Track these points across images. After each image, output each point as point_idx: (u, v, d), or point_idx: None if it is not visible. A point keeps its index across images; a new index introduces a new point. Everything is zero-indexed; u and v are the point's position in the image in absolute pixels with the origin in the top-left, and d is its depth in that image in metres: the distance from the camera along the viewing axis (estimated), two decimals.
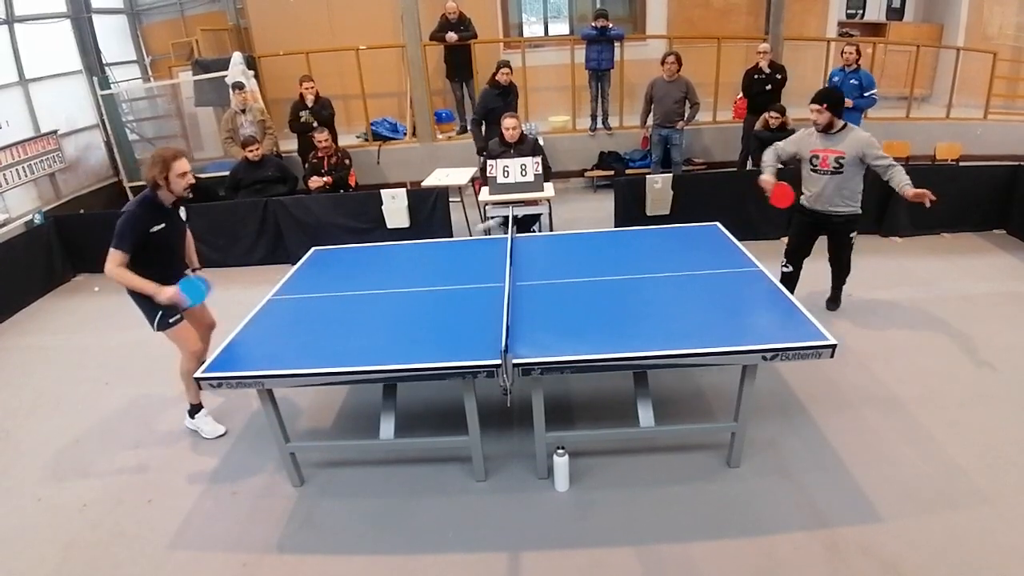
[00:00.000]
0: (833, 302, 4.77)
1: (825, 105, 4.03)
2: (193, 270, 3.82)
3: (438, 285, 3.79)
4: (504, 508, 3.12)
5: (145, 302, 3.53)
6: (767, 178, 4.30)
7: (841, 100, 4.13)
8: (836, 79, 6.89)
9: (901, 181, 3.94)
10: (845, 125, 4.12)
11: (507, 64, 6.99)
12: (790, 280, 4.54)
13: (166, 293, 3.35)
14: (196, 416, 3.87)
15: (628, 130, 8.46)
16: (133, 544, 3.05)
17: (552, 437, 3.17)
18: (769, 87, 7.22)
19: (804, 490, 3.08)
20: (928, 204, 3.81)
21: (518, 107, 7.32)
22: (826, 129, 4.12)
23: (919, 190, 3.84)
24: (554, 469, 3.16)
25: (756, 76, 7.26)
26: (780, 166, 4.44)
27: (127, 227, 3.30)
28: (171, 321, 3.59)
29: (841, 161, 4.09)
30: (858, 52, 6.74)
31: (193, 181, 3.44)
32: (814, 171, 4.25)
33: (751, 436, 3.29)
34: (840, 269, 4.61)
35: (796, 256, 4.53)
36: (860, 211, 4.29)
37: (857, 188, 4.19)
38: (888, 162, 4.00)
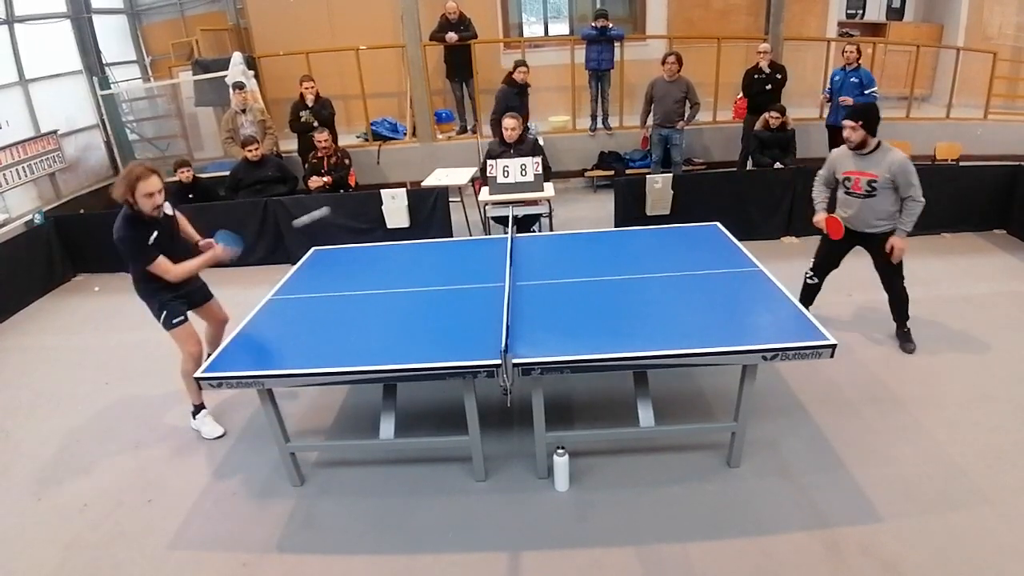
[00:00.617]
0: (902, 338, 4.27)
1: (860, 123, 3.78)
2: (195, 244, 3.85)
3: (438, 285, 3.79)
4: (504, 508, 3.12)
5: (153, 301, 3.62)
6: (818, 218, 4.18)
7: (877, 117, 3.84)
8: (837, 78, 6.93)
9: (905, 220, 3.83)
10: (879, 144, 3.85)
11: (524, 63, 7.09)
12: (810, 292, 4.42)
13: (216, 253, 3.61)
14: (197, 417, 3.88)
15: (628, 130, 8.46)
16: (133, 544, 3.05)
17: (552, 437, 3.17)
18: (769, 87, 7.23)
19: (804, 490, 3.08)
20: (896, 257, 3.92)
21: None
22: (859, 148, 3.88)
23: (899, 243, 3.87)
24: (554, 469, 3.16)
25: (756, 76, 7.28)
26: (829, 194, 4.25)
27: (134, 248, 3.39)
28: (175, 322, 3.64)
29: (874, 184, 3.85)
30: (859, 51, 6.77)
31: (160, 202, 3.36)
32: (847, 193, 4.03)
33: (751, 436, 3.29)
34: (894, 296, 4.20)
35: (823, 268, 4.35)
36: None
37: (893, 208, 3.91)
38: (913, 196, 3.79)
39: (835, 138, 7.17)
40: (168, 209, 3.58)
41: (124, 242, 3.37)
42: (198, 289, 3.88)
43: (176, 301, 3.67)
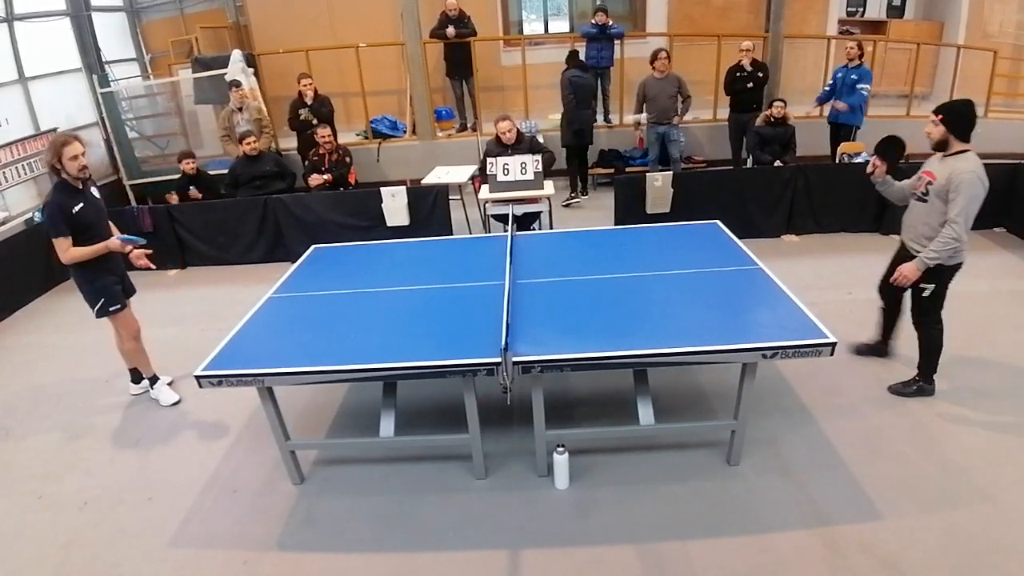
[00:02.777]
0: (902, 383, 3.77)
1: (941, 116, 3.29)
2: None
3: (438, 283, 3.79)
4: (504, 506, 3.12)
5: (89, 290, 3.84)
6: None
7: (967, 118, 3.30)
8: (839, 75, 6.92)
9: (932, 245, 3.31)
10: (964, 152, 3.29)
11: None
12: (884, 318, 3.94)
13: (113, 243, 3.74)
14: (155, 387, 4.15)
15: (628, 128, 8.45)
16: (133, 542, 3.06)
17: (552, 435, 3.18)
18: (751, 85, 7.22)
19: (804, 488, 3.09)
20: (896, 280, 3.49)
21: (520, 105, 7.34)
22: (939, 148, 3.36)
23: (906, 268, 3.42)
24: (554, 467, 3.16)
25: (738, 74, 7.25)
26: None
27: (55, 214, 3.59)
28: (112, 309, 3.88)
29: (929, 188, 3.35)
30: (860, 47, 6.74)
31: (85, 163, 3.62)
32: (911, 192, 3.56)
33: (751, 434, 3.29)
34: (919, 335, 3.66)
35: (883, 290, 3.88)
36: (953, 262, 3.38)
37: (939, 227, 3.34)
38: (951, 218, 3.23)
39: (836, 135, 7.15)
40: (97, 193, 3.83)
41: (50, 207, 3.59)
42: (128, 281, 4.10)
43: (117, 286, 3.90)
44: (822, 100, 7.21)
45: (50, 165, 3.60)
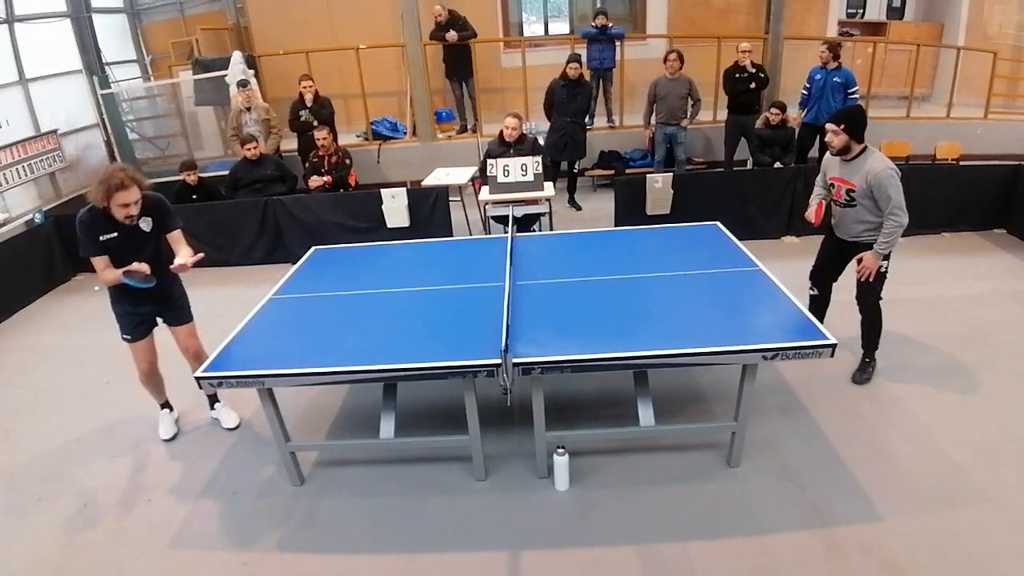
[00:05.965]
0: (859, 370, 3.97)
1: (843, 126, 3.49)
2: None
3: (438, 284, 3.79)
4: (504, 507, 3.12)
5: (114, 309, 3.59)
6: (809, 211, 3.87)
7: (863, 122, 3.54)
8: (818, 77, 6.80)
9: (881, 239, 3.53)
10: (864, 150, 3.56)
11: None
12: (817, 304, 4.08)
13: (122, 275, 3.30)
14: (161, 413, 3.95)
15: (629, 129, 8.46)
16: (133, 543, 3.06)
17: (552, 436, 3.18)
18: (753, 86, 7.15)
19: (804, 489, 3.09)
20: (861, 274, 3.68)
21: (520, 107, 7.34)
22: (841, 153, 3.59)
23: (867, 260, 3.61)
24: (554, 468, 3.16)
25: (738, 75, 7.16)
26: (825, 194, 3.88)
27: (80, 234, 3.31)
28: (123, 337, 3.63)
29: (852, 194, 3.58)
30: (831, 50, 6.62)
31: (134, 213, 3.23)
32: (832, 200, 3.79)
33: (751, 435, 3.29)
34: (864, 317, 3.88)
35: (818, 278, 4.07)
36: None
37: (876, 219, 3.58)
38: (891, 212, 3.45)
39: (811, 135, 7.02)
40: (145, 226, 3.38)
41: (77, 224, 3.30)
42: (170, 310, 3.67)
43: (132, 317, 3.55)
44: (803, 104, 7.00)
45: (99, 204, 3.21)
